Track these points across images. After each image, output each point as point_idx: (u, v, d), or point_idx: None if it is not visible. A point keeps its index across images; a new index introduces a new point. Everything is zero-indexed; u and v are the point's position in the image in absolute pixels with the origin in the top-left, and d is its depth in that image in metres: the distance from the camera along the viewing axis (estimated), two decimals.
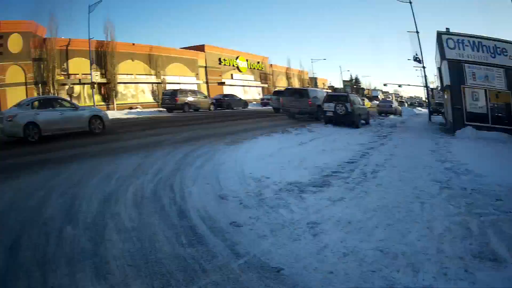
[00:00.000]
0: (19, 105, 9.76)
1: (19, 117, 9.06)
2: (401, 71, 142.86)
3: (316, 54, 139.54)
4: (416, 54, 23.68)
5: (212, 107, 23.35)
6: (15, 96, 22.41)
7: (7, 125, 9.07)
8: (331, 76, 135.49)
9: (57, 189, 4.50)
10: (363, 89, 65.78)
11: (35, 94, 23.17)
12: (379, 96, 62.10)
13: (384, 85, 63.03)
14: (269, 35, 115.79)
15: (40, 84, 22.88)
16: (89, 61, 23.95)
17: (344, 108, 13.09)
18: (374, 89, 71.07)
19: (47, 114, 9.48)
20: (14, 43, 23.13)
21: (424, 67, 26.24)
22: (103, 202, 4.03)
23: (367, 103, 35.96)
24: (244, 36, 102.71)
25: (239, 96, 30.75)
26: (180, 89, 23.22)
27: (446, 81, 13.62)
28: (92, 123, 10.34)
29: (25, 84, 23.14)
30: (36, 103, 9.83)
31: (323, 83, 58.08)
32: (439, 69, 16.16)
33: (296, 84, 47.65)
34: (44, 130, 9.25)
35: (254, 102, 35.03)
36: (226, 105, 25.82)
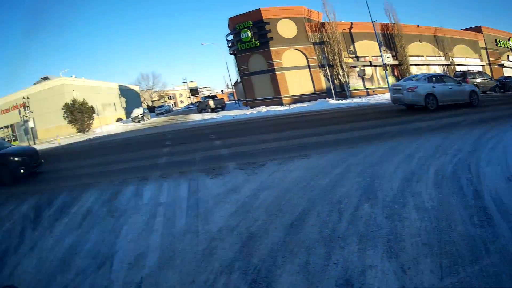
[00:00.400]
0: (412, 79, 11.83)
1: (420, 89, 11.03)
2: None
3: None
4: None
5: (497, 89, 22.33)
6: (296, 79, 24.19)
7: (408, 95, 11.14)
8: None
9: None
10: None
11: (322, 77, 24.75)
12: None
13: None
14: None
15: (326, 67, 23.96)
16: (374, 43, 24.41)
17: None
18: None
19: (441, 87, 11.28)
20: (285, 29, 24.12)
21: None
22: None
23: None
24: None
25: None
26: (468, 70, 22.86)
27: None
28: (471, 96, 11.60)
29: (308, 67, 24.61)
30: (430, 78, 11.60)
31: None
32: None
33: None
34: (440, 100, 11.09)
35: None
36: (508, 87, 23.92)
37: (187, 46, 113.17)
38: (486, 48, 34.51)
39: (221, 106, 29.48)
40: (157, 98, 67.14)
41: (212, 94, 46.33)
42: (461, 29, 34.02)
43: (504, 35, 37.53)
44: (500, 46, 36.28)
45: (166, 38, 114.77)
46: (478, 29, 34.58)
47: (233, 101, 42.33)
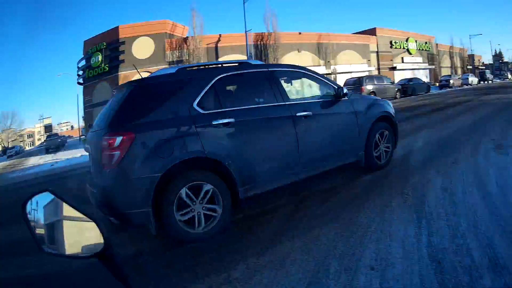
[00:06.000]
0: None
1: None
2: None
3: (473, 28, 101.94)
4: None
5: (398, 95, 19.07)
6: None
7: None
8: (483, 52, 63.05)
9: None
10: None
11: None
12: None
13: None
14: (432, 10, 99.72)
15: None
16: (245, 57, 20.49)
17: None
18: None
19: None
20: (141, 48, 21.28)
21: None
22: None
23: None
24: (411, 14, 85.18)
25: (422, 80, 24.93)
26: (366, 76, 19.88)
27: None
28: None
29: None
30: None
31: (478, 60, 53.47)
32: None
33: (458, 63, 43.53)
34: None
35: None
36: (411, 90, 20.70)
37: None
38: (377, 52, 32.53)
39: None
40: None
41: None
42: (353, 33, 33.23)
43: (401, 36, 35.28)
44: (396, 47, 34.03)
45: None
46: (372, 31, 32.84)
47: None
